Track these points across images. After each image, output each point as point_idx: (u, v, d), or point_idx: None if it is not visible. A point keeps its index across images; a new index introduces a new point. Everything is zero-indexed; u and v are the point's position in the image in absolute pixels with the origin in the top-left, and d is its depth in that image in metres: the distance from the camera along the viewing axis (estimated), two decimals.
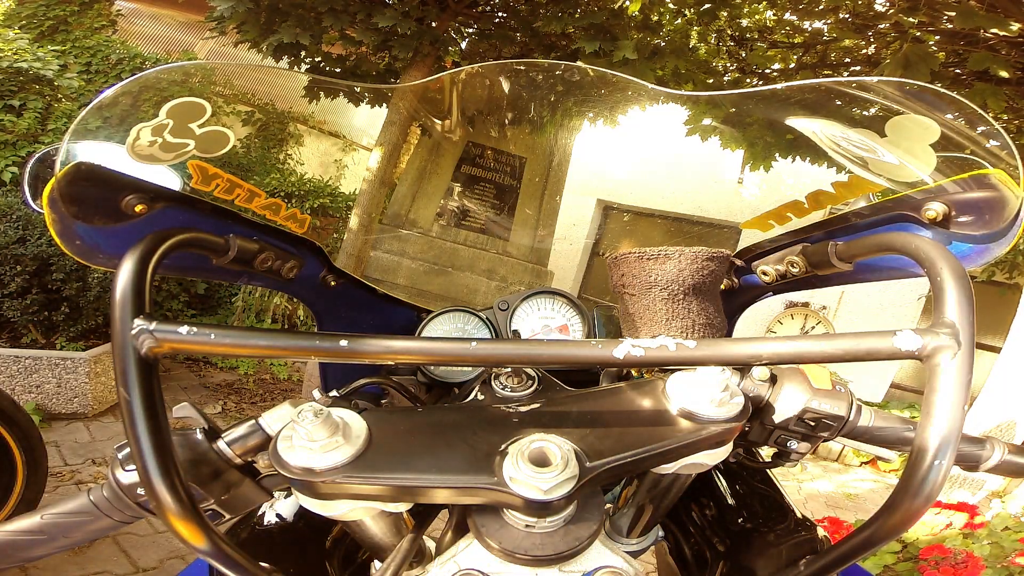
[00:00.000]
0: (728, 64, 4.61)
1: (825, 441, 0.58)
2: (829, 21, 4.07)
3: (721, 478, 0.78)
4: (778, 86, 0.70)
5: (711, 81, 4.17)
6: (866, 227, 0.65)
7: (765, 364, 0.47)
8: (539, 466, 0.42)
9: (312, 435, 0.42)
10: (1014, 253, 5.30)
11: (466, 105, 1.16)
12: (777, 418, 0.55)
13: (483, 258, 2.44)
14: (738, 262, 0.80)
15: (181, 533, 0.39)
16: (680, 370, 0.53)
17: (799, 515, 0.67)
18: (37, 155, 0.69)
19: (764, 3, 4.38)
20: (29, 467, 2.18)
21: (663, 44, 3.90)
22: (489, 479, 0.43)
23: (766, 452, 0.65)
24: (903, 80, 0.57)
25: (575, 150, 1.54)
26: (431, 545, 0.59)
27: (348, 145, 7.60)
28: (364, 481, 0.42)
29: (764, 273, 0.77)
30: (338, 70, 4.18)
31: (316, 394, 0.59)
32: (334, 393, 0.69)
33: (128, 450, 0.47)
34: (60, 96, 5.33)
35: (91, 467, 3.08)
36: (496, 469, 0.43)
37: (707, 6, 3.95)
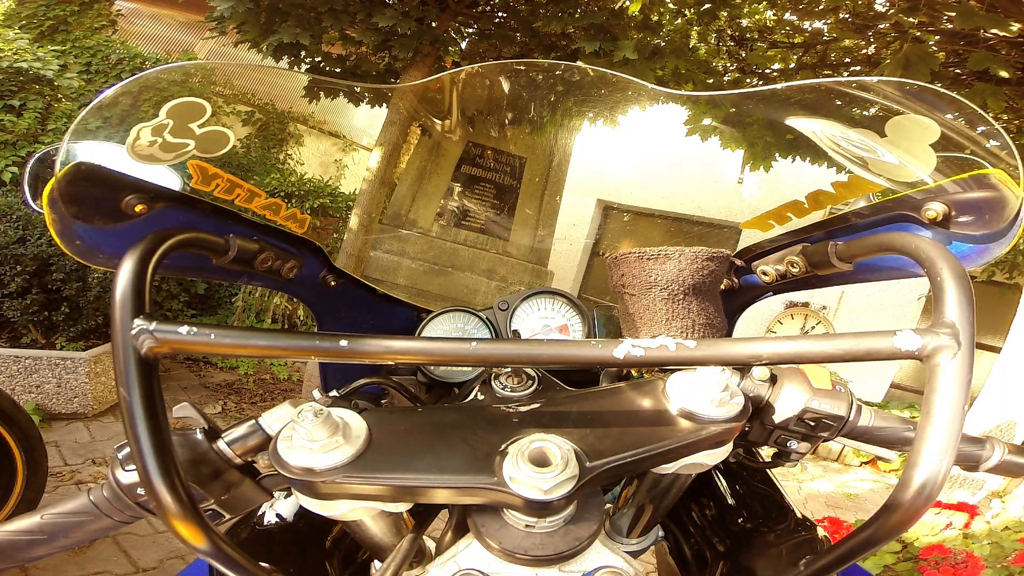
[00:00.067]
0: (728, 64, 4.61)
1: (825, 441, 0.58)
2: (829, 21, 4.07)
3: (721, 478, 0.78)
4: (778, 86, 0.70)
5: (711, 81, 4.17)
6: (866, 227, 0.65)
7: (765, 364, 0.47)
8: (539, 466, 0.42)
9: (312, 435, 0.42)
10: (1014, 253, 5.30)
11: (466, 105, 1.16)
12: (777, 418, 0.55)
13: (483, 258, 2.44)
14: (738, 262, 0.80)
15: (181, 533, 0.39)
16: (680, 370, 0.53)
17: (799, 515, 0.67)
18: (37, 155, 0.69)
19: (764, 3, 4.38)
20: (29, 467, 2.18)
21: (663, 44, 3.90)
22: (489, 479, 0.43)
23: (766, 452, 0.65)
24: (903, 80, 0.57)
25: (575, 150, 1.54)
26: (431, 545, 0.59)
27: (348, 145, 7.60)
28: (364, 481, 0.42)
29: (764, 273, 0.77)
30: (338, 70, 4.18)
31: (316, 394, 0.59)
32: (334, 393, 0.69)
33: (128, 450, 0.47)
34: (60, 96, 5.33)
35: (91, 467, 3.08)
36: (496, 469, 0.43)
37: (707, 6, 3.95)
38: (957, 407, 0.38)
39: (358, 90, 4.23)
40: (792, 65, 4.39)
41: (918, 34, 3.37)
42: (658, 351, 0.44)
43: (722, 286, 0.82)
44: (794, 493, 4.12)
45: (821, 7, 3.94)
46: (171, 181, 0.63)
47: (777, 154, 2.48)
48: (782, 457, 0.60)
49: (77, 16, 6.44)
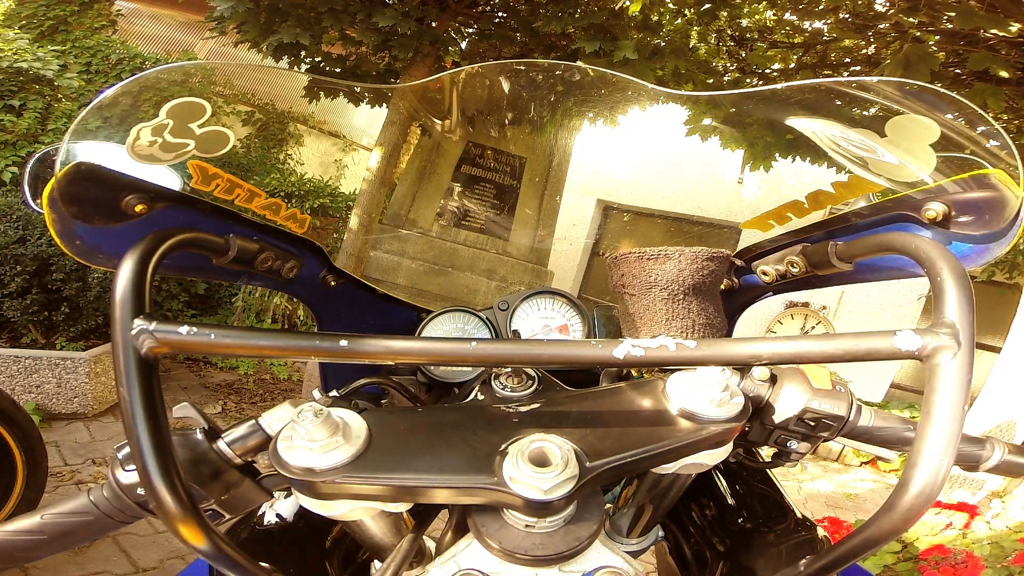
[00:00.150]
0: (728, 64, 4.61)
1: (825, 441, 0.58)
2: (829, 21, 4.07)
3: (721, 478, 0.78)
4: (778, 86, 0.70)
5: (711, 81, 4.17)
6: (866, 227, 0.65)
7: (765, 364, 0.47)
8: (539, 466, 0.42)
9: (312, 435, 0.42)
10: (1014, 253, 5.30)
11: (466, 105, 1.16)
12: (777, 418, 0.55)
13: (483, 258, 2.44)
14: (738, 262, 0.80)
15: (181, 533, 0.39)
16: (680, 370, 0.53)
17: (799, 515, 0.67)
18: (37, 155, 0.69)
19: (764, 3, 4.38)
20: (29, 467, 2.18)
21: (663, 44, 3.90)
22: (489, 479, 0.43)
23: (766, 452, 0.65)
24: (903, 80, 0.57)
25: (575, 150, 1.54)
26: (431, 545, 0.59)
27: (348, 145, 7.60)
28: (364, 481, 0.42)
29: (764, 273, 0.77)
30: (338, 70, 4.18)
31: (316, 394, 0.59)
32: (334, 393, 0.69)
33: (128, 450, 0.47)
34: (60, 96, 5.33)
35: (91, 467, 3.08)
36: (496, 469, 0.43)
37: (707, 6, 3.95)
38: (957, 407, 0.38)
39: (358, 90, 4.23)
40: (792, 65, 4.39)
41: (918, 34, 3.37)
42: (658, 351, 0.44)
43: (722, 286, 0.82)
44: (794, 493, 4.12)
45: (821, 7, 3.94)
46: (171, 181, 0.63)
47: (777, 154, 2.48)
48: (782, 457, 0.60)
49: (77, 16, 6.44)
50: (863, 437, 0.56)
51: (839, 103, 0.65)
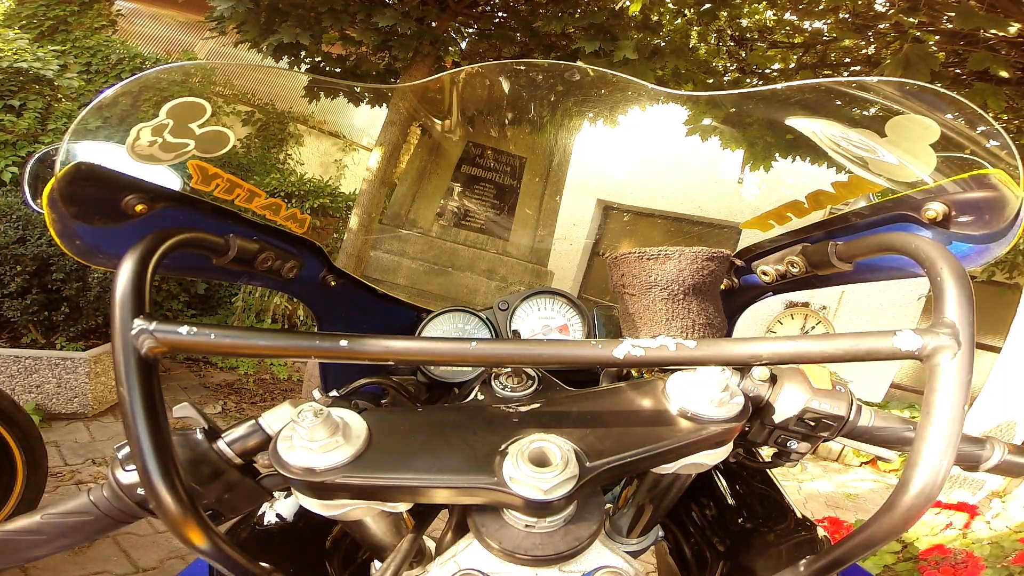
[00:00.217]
0: (728, 64, 4.61)
1: (825, 441, 0.58)
2: (829, 21, 4.07)
3: (721, 478, 0.78)
4: (778, 86, 0.70)
5: (711, 81, 4.17)
6: (866, 227, 0.65)
7: (765, 364, 0.47)
8: (539, 466, 0.42)
9: (312, 435, 0.42)
10: (1014, 253, 5.30)
11: (466, 105, 1.16)
12: (777, 418, 0.55)
13: (483, 258, 2.44)
14: (738, 262, 0.80)
15: (181, 533, 0.39)
16: (680, 370, 0.53)
17: (799, 515, 0.67)
18: (37, 155, 0.69)
19: (764, 3, 4.38)
20: (29, 467, 2.18)
21: (663, 44, 3.90)
22: (489, 479, 0.43)
23: (766, 452, 0.65)
24: (903, 80, 0.57)
25: (575, 150, 1.54)
26: (431, 545, 0.59)
27: (348, 145, 7.60)
28: (364, 481, 0.42)
29: (764, 273, 0.77)
30: (338, 70, 4.18)
31: (316, 394, 0.59)
32: (334, 393, 0.69)
33: (128, 450, 0.47)
34: (60, 96, 5.33)
35: (91, 467, 3.08)
36: (496, 469, 0.43)
37: (707, 6, 3.95)
38: (957, 407, 0.38)
39: (358, 90, 4.23)
40: (792, 65, 4.39)
41: (918, 34, 3.37)
42: (658, 351, 0.44)
43: (722, 286, 0.82)
44: (794, 493, 4.12)
45: (821, 7, 3.94)
46: (171, 181, 0.63)
47: (777, 154, 2.48)
48: (782, 457, 0.60)
49: (77, 16, 6.44)
50: (863, 437, 0.56)
51: (839, 103, 0.65)
